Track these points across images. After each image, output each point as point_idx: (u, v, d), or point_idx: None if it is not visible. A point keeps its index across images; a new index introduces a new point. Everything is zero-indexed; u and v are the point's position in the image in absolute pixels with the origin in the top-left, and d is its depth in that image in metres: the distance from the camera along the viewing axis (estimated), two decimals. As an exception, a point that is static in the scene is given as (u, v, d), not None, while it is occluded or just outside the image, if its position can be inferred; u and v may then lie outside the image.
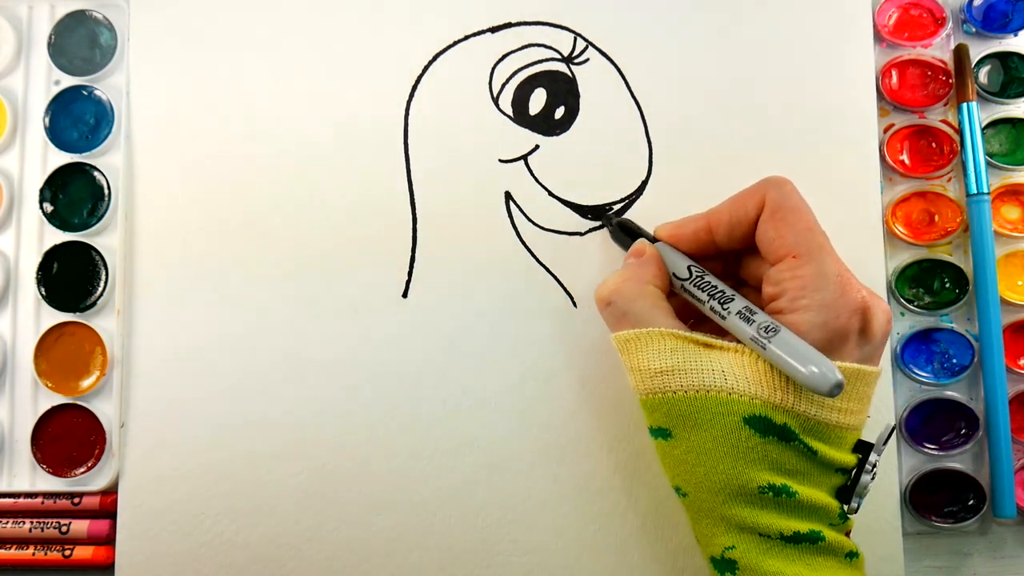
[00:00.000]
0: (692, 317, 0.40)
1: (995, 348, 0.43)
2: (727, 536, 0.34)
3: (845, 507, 0.35)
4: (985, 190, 0.43)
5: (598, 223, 0.44)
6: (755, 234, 0.37)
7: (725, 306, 0.36)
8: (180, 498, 0.43)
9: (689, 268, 0.38)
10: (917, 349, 0.44)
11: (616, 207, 0.44)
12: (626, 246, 0.40)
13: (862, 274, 0.43)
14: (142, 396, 0.44)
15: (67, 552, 0.43)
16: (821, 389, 0.32)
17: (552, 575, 0.42)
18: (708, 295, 0.37)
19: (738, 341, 0.35)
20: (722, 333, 0.37)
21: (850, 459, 0.35)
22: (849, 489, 0.35)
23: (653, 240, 0.40)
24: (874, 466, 0.35)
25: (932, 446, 0.43)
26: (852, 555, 0.35)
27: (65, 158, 0.45)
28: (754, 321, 0.35)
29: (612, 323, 0.38)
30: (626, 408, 0.43)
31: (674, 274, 0.38)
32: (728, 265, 0.40)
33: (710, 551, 0.35)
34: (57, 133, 0.46)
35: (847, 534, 0.36)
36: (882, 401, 0.43)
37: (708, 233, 0.38)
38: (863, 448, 0.36)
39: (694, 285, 0.37)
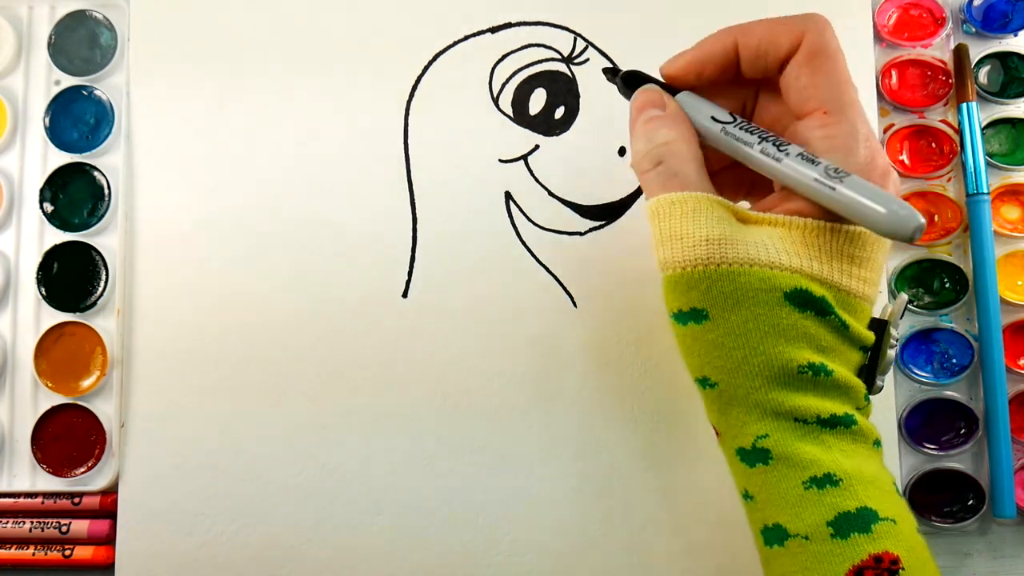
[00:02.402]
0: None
1: (995, 348, 0.43)
2: (760, 424, 0.32)
3: (868, 388, 0.34)
4: (985, 190, 0.43)
5: (599, 223, 0.44)
6: (783, 74, 0.33)
7: (782, 149, 0.32)
8: (180, 498, 0.43)
9: (731, 114, 0.34)
10: (917, 349, 0.44)
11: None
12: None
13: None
14: (142, 396, 0.44)
15: (67, 552, 0.43)
16: (903, 231, 0.29)
17: (552, 575, 0.42)
18: (759, 138, 0.33)
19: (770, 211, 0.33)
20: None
21: (869, 336, 0.33)
22: (870, 368, 0.33)
23: (669, 89, 0.36)
24: (896, 340, 0.33)
25: (932, 446, 0.43)
26: (879, 443, 0.33)
27: (65, 158, 0.45)
28: (819, 164, 0.31)
29: (657, 185, 0.33)
30: (627, 408, 0.43)
31: (713, 118, 0.34)
32: (741, 106, 0.37)
33: (738, 443, 0.33)
34: (57, 133, 0.46)
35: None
36: (882, 401, 0.43)
37: (733, 55, 0.34)
38: (877, 326, 0.34)
39: (739, 128, 0.33)
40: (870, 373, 0.34)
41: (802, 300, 0.31)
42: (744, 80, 0.35)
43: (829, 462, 0.31)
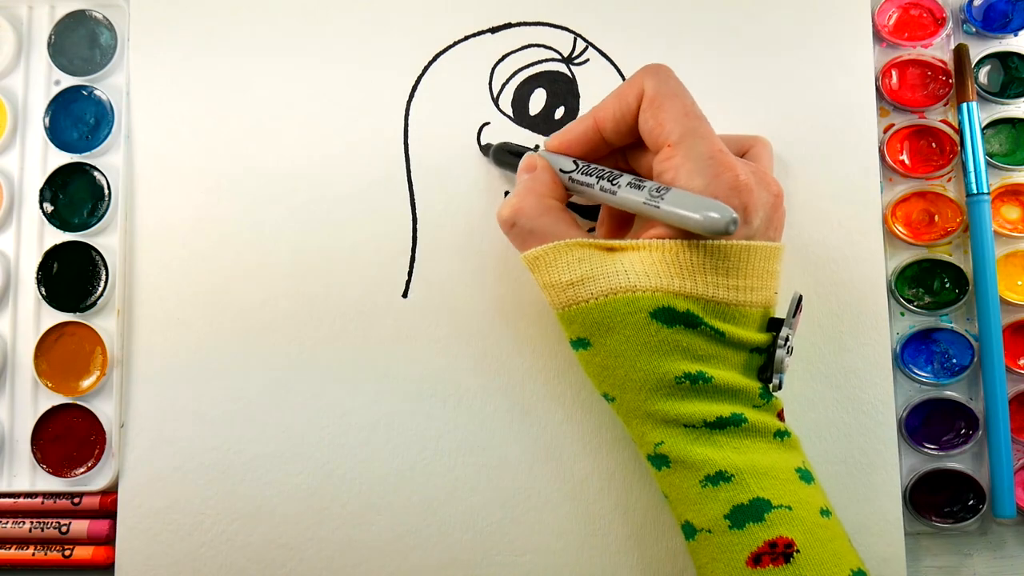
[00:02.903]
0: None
1: (995, 348, 0.43)
2: (656, 432, 0.35)
3: (769, 386, 0.36)
4: (985, 190, 0.43)
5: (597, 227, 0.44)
6: (638, 126, 0.37)
7: (614, 182, 0.36)
8: (180, 498, 0.43)
9: (574, 161, 0.38)
10: (917, 349, 0.44)
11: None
12: (514, 168, 0.41)
13: (862, 274, 0.43)
14: (142, 396, 0.44)
15: (67, 552, 0.43)
16: (719, 227, 0.32)
17: (552, 575, 0.42)
18: (596, 177, 0.37)
19: (639, 236, 0.36)
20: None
21: (763, 337, 0.36)
22: (767, 368, 0.36)
23: (525, 151, 0.41)
24: (787, 340, 0.36)
25: (932, 446, 0.43)
26: (782, 434, 0.36)
27: (65, 158, 0.45)
28: (644, 187, 0.35)
29: (519, 243, 0.38)
30: (626, 408, 0.43)
31: (560, 170, 0.39)
32: (619, 163, 0.40)
33: (645, 450, 0.36)
34: (57, 133, 0.46)
35: (780, 415, 0.37)
36: (882, 401, 0.43)
37: (596, 132, 0.38)
38: (776, 326, 0.36)
39: (581, 173, 0.38)
40: (768, 372, 0.36)
41: (668, 316, 0.34)
42: (618, 147, 0.39)
43: (721, 460, 0.34)
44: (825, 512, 0.34)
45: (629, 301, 0.34)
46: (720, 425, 0.34)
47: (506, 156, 0.43)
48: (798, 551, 0.32)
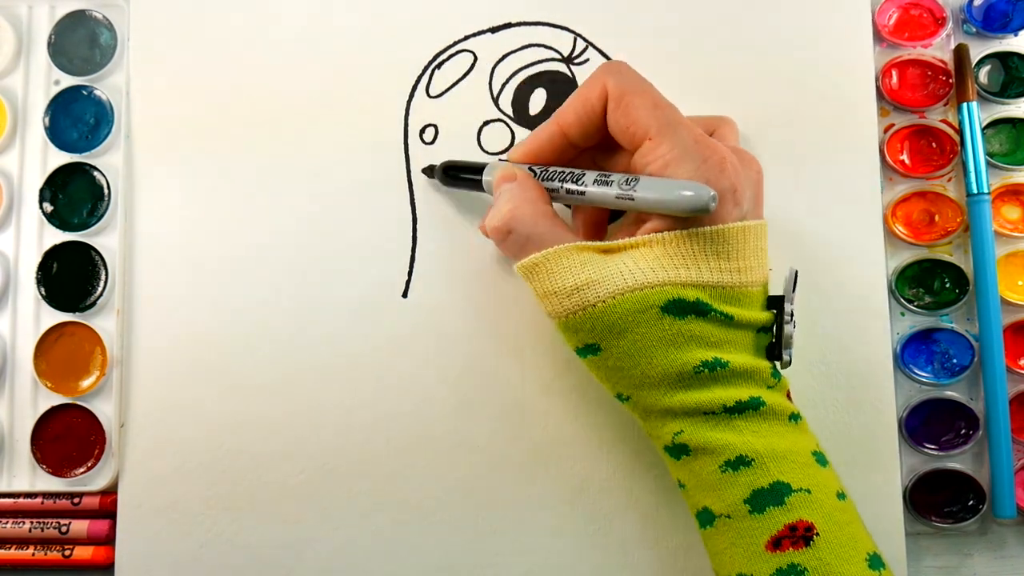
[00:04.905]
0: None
1: (995, 348, 0.43)
2: (674, 423, 0.35)
3: (777, 364, 0.36)
4: (985, 190, 0.43)
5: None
6: (608, 125, 0.37)
7: (579, 182, 0.36)
8: (180, 498, 0.43)
9: (530, 168, 0.38)
10: (917, 349, 0.44)
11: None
12: (467, 185, 0.41)
13: (862, 274, 0.43)
14: (142, 396, 0.44)
15: (67, 552, 0.43)
16: (699, 205, 0.33)
17: (552, 575, 0.42)
18: (559, 181, 0.37)
19: (634, 234, 0.36)
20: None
21: (766, 316, 0.36)
22: (776, 345, 0.36)
23: (484, 166, 0.40)
24: (791, 315, 0.36)
25: (932, 446, 0.43)
26: (795, 417, 0.36)
27: (65, 158, 0.45)
28: (612, 181, 0.35)
29: (515, 252, 0.37)
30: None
31: None
32: (591, 167, 0.39)
33: (662, 442, 0.36)
34: (57, 133, 0.46)
35: (788, 395, 0.37)
36: (883, 401, 0.43)
37: (562, 137, 0.38)
38: (776, 303, 0.37)
39: (543, 179, 0.38)
40: (778, 349, 0.36)
41: (679, 308, 0.34)
42: (587, 148, 0.39)
43: (741, 445, 0.34)
44: (841, 495, 0.35)
45: (639, 299, 0.34)
46: (739, 409, 0.34)
47: (457, 174, 0.42)
48: (818, 534, 0.33)
